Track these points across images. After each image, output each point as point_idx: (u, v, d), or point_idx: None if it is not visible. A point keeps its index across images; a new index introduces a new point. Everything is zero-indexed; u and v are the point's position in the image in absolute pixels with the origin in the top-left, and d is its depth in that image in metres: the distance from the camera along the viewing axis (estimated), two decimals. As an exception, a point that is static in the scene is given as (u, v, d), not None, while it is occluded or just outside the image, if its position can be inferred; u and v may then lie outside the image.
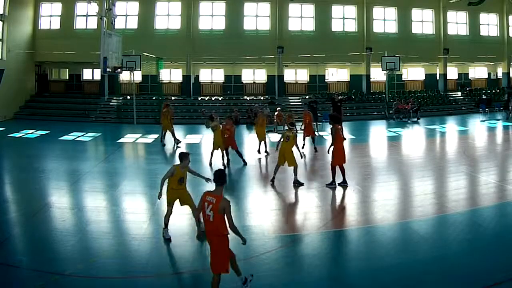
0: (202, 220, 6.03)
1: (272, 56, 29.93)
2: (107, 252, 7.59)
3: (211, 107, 28.96)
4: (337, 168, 11.48)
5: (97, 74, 30.25)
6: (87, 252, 7.50)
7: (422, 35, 32.46)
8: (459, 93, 33.48)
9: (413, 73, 34.21)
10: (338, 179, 11.47)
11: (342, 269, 7.07)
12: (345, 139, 12.70)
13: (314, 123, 22.61)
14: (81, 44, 27.19)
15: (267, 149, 16.26)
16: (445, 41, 32.31)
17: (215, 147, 14.03)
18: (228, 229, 5.53)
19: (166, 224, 8.06)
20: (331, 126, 11.59)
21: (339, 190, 11.28)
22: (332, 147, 11.53)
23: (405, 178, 12.82)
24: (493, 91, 33.02)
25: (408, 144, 19.64)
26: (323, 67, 32.55)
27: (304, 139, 16.97)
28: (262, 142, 16.30)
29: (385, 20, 32.08)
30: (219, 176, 5.62)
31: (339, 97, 21.05)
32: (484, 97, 31.12)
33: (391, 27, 32.17)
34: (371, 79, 31.88)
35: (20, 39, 27.50)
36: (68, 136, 20.80)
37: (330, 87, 32.62)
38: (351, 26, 31.65)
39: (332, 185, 11.37)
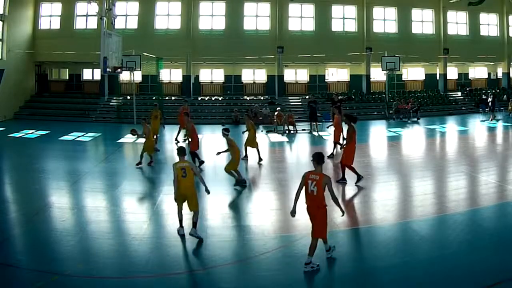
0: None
1: (272, 56, 29.92)
2: (107, 252, 7.60)
3: (211, 107, 28.96)
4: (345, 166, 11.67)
5: (97, 74, 30.23)
6: (87, 252, 7.50)
7: (422, 35, 32.44)
8: (459, 93, 33.46)
9: (413, 73, 34.17)
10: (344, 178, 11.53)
11: (342, 269, 7.06)
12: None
13: (314, 123, 22.74)
14: (81, 44, 27.18)
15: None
16: (445, 41, 32.29)
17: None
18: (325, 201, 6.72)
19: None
20: (348, 126, 11.75)
21: (339, 191, 11.28)
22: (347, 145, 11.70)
23: (405, 178, 12.82)
24: (493, 91, 32.97)
25: (408, 144, 19.63)
26: (323, 67, 32.52)
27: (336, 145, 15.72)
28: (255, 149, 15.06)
29: (385, 20, 32.05)
30: (319, 157, 6.84)
31: (339, 97, 21.11)
32: (484, 97, 31.08)
33: (391, 27, 32.14)
34: (371, 79, 31.85)
35: (20, 39, 27.48)
36: (68, 136, 20.80)
37: (330, 87, 32.59)
38: (351, 26, 31.62)
39: (343, 181, 11.60)
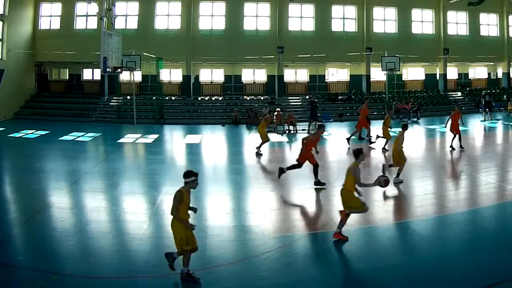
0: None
1: (272, 56, 29.91)
2: (107, 252, 7.60)
3: (211, 107, 28.97)
4: None
5: (97, 74, 30.22)
6: (87, 252, 7.49)
7: (422, 35, 32.43)
8: (459, 93, 33.46)
9: (413, 73, 34.17)
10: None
11: (342, 269, 7.06)
12: None
13: (314, 122, 22.75)
14: (81, 44, 27.18)
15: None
16: (445, 41, 32.28)
17: None
18: None
19: None
20: None
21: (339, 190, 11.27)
22: None
23: (405, 178, 12.79)
24: (493, 91, 32.97)
25: (408, 144, 19.57)
26: (323, 67, 32.52)
27: (454, 136, 17.18)
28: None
29: (385, 20, 32.05)
30: None
31: (365, 96, 21.43)
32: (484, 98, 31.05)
33: (391, 27, 32.14)
34: (371, 79, 31.86)
35: (20, 39, 27.48)
36: (68, 136, 20.79)
37: (330, 87, 32.61)
38: (351, 26, 31.63)
39: None
